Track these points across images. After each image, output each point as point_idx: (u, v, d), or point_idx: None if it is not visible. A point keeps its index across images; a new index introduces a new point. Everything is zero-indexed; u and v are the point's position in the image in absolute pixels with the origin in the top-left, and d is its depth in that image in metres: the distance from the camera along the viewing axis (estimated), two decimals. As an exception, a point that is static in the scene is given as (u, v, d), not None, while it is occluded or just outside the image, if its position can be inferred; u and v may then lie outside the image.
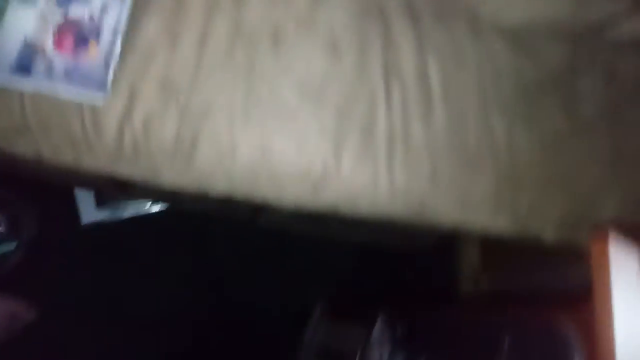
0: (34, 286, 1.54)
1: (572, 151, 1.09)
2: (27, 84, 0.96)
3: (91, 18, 0.99)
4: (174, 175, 1.05)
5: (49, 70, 0.96)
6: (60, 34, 0.98)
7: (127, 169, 1.05)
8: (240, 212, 1.42)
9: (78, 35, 0.98)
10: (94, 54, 0.98)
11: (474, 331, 0.84)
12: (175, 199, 1.46)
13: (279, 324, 1.58)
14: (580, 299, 0.71)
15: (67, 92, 0.97)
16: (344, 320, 1.26)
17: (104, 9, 0.99)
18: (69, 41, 0.98)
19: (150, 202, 1.62)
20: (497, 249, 1.20)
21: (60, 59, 0.97)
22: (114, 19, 0.99)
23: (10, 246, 1.51)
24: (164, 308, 1.61)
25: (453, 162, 1.04)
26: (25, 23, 0.98)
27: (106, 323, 1.57)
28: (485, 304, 1.05)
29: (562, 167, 1.09)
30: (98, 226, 1.61)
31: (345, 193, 1.05)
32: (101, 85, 0.97)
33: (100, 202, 1.61)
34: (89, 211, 1.61)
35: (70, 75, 0.97)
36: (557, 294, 0.88)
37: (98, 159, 1.03)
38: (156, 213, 1.65)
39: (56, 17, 0.98)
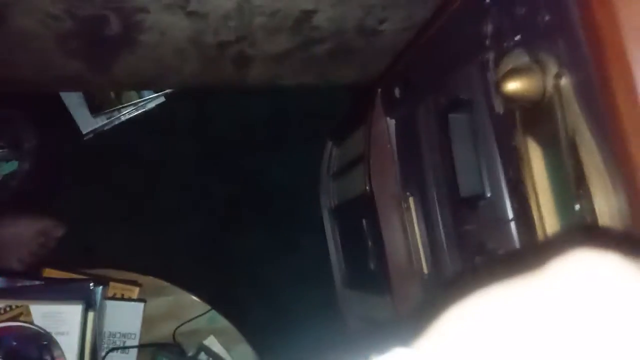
0: (53, 202, 1.56)
1: None
2: None
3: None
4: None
5: None
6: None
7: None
8: (225, 71, 1.41)
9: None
10: None
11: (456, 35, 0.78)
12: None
13: (294, 176, 1.59)
14: None
15: None
16: (347, 137, 1.25)
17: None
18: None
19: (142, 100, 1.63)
20: None
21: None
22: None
23: (14, 165, 1.53)
24: (185, 194, 1.63)
25: None
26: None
27: (133, 222, 1.61)
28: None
29: None
30: (98, 133, 1.61)
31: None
32: None
33: (95, 110, 1.61)
34: (86, 121, 1.60)
35: None
36: None
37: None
38: (151, 109, 1.64)
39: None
